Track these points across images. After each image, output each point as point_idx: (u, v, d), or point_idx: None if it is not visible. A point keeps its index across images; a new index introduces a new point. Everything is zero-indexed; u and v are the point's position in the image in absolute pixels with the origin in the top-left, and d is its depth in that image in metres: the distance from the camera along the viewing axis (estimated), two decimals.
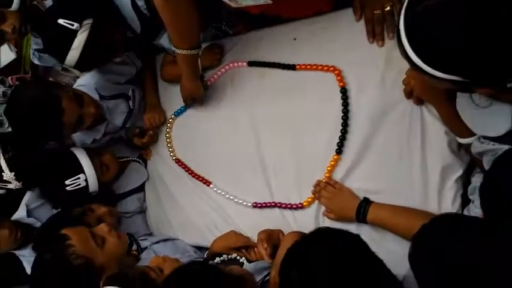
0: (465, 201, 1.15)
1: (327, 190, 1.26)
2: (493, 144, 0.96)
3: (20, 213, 1.69)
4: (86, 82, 1.61)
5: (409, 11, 0.78)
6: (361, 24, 1.27)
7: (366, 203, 1.19)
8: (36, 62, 1.75)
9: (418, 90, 1.11)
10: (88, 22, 1.32)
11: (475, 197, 1.11)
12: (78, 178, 1.48)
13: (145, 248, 1.53)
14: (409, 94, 1.16)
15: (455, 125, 1.06)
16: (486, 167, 1.02)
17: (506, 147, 0.92)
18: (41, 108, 1.37)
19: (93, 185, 1.52)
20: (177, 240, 1.59)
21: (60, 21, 1.31)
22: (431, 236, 0.81)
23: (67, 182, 1.48)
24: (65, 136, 1.56)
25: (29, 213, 1.68)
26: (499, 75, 0.77)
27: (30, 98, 1.40)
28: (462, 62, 0.75)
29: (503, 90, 0.83)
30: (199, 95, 1.47)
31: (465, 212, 1.13)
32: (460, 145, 1.14)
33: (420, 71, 0.80)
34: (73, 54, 1.32)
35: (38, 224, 1.65)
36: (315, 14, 1.34)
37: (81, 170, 1.48)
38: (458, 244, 0.76)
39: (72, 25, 1.30)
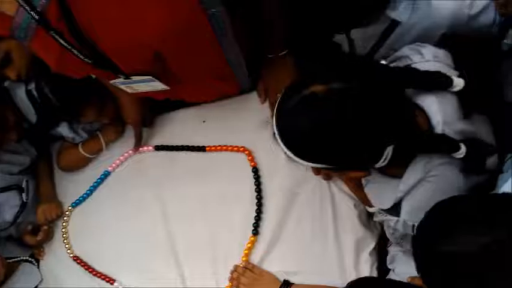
0: (384, 272, 1.16)
1: (245, 276, 1.20)
2: (385, 215, 1.00)
3: None
4: None
5: (278, 113, 0.85)
6: (265, 107, 1.31)
7: (287, 286, 1.15)
8: None
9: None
10: None
11: (394, 265, 1.14)
12: None
13: None
14: (317, 171, 1.19)
15: (362, 196, 1.10)
16: (387, 235, 1.07)
17: (395, 219, 0.96)
18: None
19: None
20: None
21: None
22: None
23: None
24: None
25: None
26: (360, 161, 0.86)
27: None
28: (323, 155, 0.84)
29: (381, 170, 0.90)
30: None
31: None
32: (370, 217, 1.17)
33: (295, 161, 0.85)
34: None
35: None
36: (220, 98, 1.37)
37: None
38: None
39: None
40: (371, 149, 0.82)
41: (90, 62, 0.90)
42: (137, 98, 1.25)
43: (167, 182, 1.38)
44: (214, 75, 1.15)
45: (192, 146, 1.35)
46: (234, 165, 1.31)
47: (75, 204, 1.49)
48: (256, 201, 1.25)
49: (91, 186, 1.47)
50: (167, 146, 1.40)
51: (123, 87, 1.09)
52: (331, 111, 0.79)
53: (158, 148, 1.41)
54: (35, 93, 1.31)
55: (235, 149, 1.31)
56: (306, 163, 0.85)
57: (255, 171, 1.28)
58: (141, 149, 1.42)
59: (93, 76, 1.10)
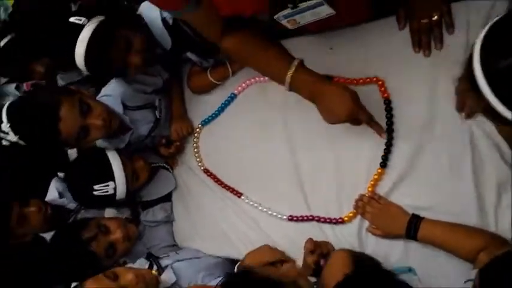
0: None
1: (371, 205, 1.22)
2: None
3: (51, 195, 1.61)
4: (111, 92, 1.55)
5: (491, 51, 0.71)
6: (403, 34, 1.22)
7: (417, 219, 1.14)
8: (61, 82, 1.71)
9: (475, 106, 1.07)
10: (98, 18, 1.27)
11: None
12: (107, 185, 1.43)
13: (166, 267, 1.47)
14: (462, 104, 1.12)
15: None
16: None
17: None
18: (38, 113, 1.30)
19: (121, 194, 1.46)
20: (201, 258, 1.55)
21: (71, 19, 1.27)
22: (503, 271, 0.76)
23: (95, 187, 1.42)
24: (66, 145, 1.50)
25: (61, 195, 1.60)
26: None
27: (31, 103, 1.35)
28: None
29: None
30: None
31: None
32: None
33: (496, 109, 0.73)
34: (80, 49, 1.27)
35: (71, 205, 1.60)
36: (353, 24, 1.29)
37: (111, 178, 1.43)
38: None
39: (80, 20, 1.26)
40: None
41: None
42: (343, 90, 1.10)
43: (292, 105, 1.37)
44: None
45: None
46: (363, 96, 1.26)
47: (204, 122, 1.59)
48: (386, 134, 1.22)
49: (219, 107, 1.54)
50: None
51: (284, 22, 1.04)
52: None
53: None
54: (170, 21, 1.34)
55: (367, 80, 1.25)
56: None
57: (388, 103, 1.23)
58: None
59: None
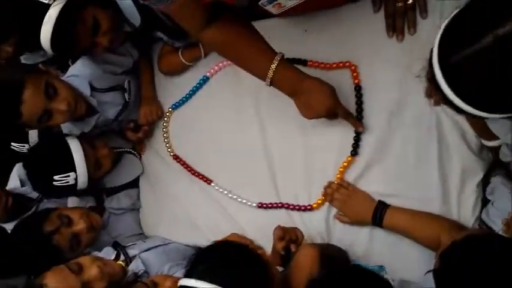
0: (485, 202, 1.12)
1: (340, 192, 1.21)
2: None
3: (12, 183, 1.59)
4: (79, 72, 1.48)
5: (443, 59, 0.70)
6: (377, 17, 1.20)
7: (383, 206, 1.14)
8: (22, 60, 1.63)
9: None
10: None
11: (494, 198, 1.09)
12: (68, 176, 1.38)
13: (134, 256, 1.44)
14: (431, 90, 1.10)
15: (481, 128, 1.01)
16: (500, 156, 1.00)
17: None
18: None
19: (83, 184, 1.41)
20: (169, 245, 1.51)
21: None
22: (463, 255, 0.77)
23: (55, 177, 1.37)
24: (27, 127, 1.43)
25: (23, 183, 1.57)
26: None
27: None
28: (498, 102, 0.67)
29: None
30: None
31: (484, 214, 1.11)
32: (481, 146, 1.10)
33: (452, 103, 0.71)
34: (46, 29, 1.21)
35: (33, 194, 1.57)
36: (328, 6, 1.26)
37: (72, 168, 1.38)
38: (490, 265, 0.73)
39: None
40: None
41: None
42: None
43: (264, 91, 1.31)
44: None
45: (293, 59, 1.29)
46: (335, 81, 1.24)
47: (175, 106, 1.54)
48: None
49: (190, 91, 1.50)
50: None
51: (269, 7, 1.01)
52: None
53: None
54: None
55: (340, 65, 1.23)
56: (470, 109, 0.69)
57: (358, 89, 1.21)
58: None
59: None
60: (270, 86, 1.08)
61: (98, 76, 1.49)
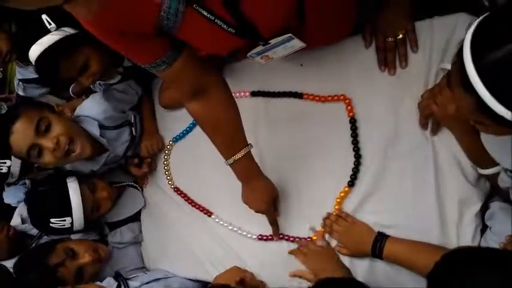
0: (484, 230, 1.11)
1: (339, 223, 1.21)
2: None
3: (15, 221, 1.63)
4: (90, 113, 1.49)
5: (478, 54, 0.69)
6: (370, 52, 1.23)
7: (382, 237, 1.14)
8: (20, 93, 1.68)
9: (442, 115, 1.06)
10: (67, 30, 1.25)
11: (492, 223, 1.08)
12: (64, 220, 1.39)
13: None
14: (425, 119, 1.12)
15: (477, 155, 1.02)
16: (499, 182, 0.99)
17: None
18: None
19: (79, 227, 1.43)
20: (171, 278, 1.50)
21: (44, 16, 1.24)
22: (445, 274, 0.76)
23: (52, 220, 1.39)
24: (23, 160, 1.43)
25: (24, 221, 1.60)
26: None
27: None
28: None
29: None
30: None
31: (482, 240, 1.10)
32: (478, 176, 1.10)
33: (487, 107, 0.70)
34: (36, 49, 1.24)
35: (33, 231, 1.61)
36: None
37: (69, 214, 1.38)
38: (474, 278, 0.72)
39: (50, 24, 1.24)
40: None
41: (233, 31, 0.87)
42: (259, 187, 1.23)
43: (262, 124, 1.38)
44: (339, 15, 1.09)
45: (289, 92, 1.33)
46: (330, 114, 1.27)
47: (176, 139, 1.56)
48: (353, 153, 1.22)
49: (191, 124, 1.52)
50: (263, 92, 1.38)
51: (258, 59, 1.06)
52: None
53: (254, 94, 1.40)
54: None
55: (335, 98, 1.26)
56: (504, 112, 0.67)
57: (353, 121, 1.23)
58: (237, 94, 1.40)
59: None
60: (228, 165, 1.18)
61: (109, 115, 1.51)
